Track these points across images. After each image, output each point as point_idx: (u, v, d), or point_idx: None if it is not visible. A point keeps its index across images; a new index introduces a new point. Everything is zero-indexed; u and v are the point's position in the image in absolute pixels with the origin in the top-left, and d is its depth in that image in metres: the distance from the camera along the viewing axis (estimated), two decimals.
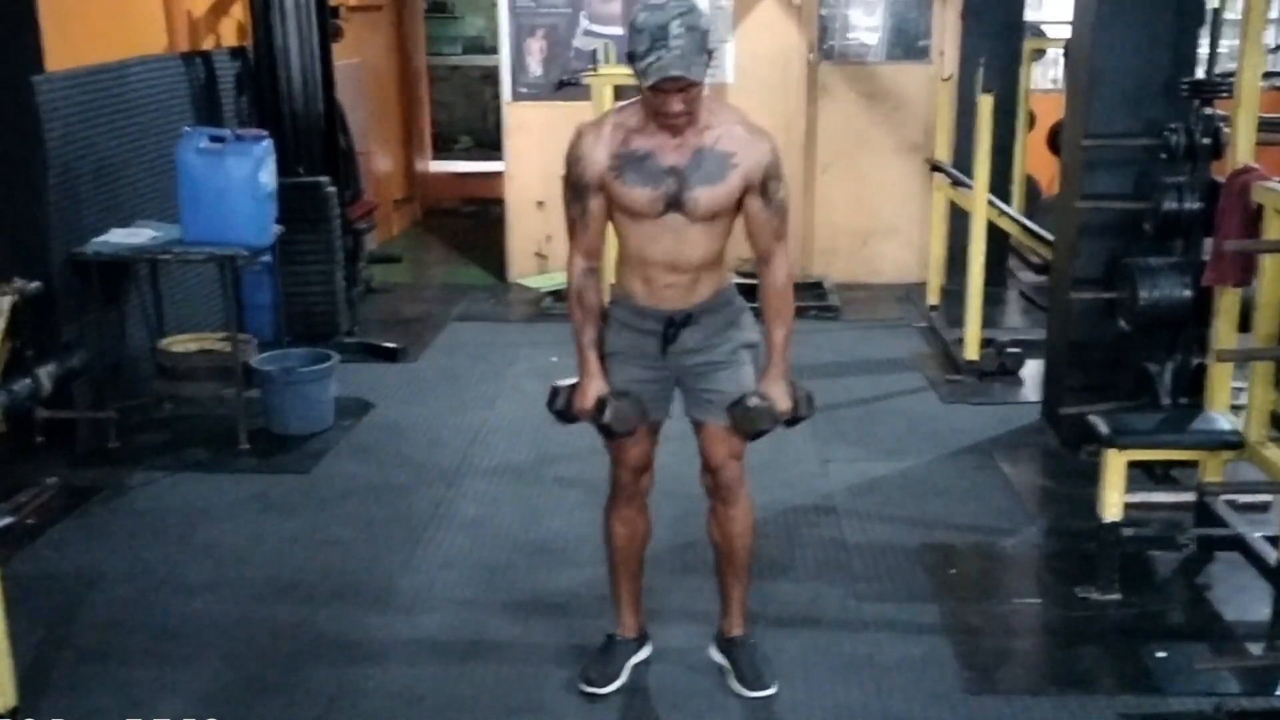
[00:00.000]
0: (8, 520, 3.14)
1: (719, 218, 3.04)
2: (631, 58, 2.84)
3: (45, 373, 4.62)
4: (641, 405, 3.15)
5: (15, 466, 4.70)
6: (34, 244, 4.77)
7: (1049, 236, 5.61)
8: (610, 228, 3.13)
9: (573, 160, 3.03)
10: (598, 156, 2.99)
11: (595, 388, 3.14)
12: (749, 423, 3.15)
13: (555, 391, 3.25)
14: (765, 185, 3.01)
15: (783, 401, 3.16)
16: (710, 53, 2.85)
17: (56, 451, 4.86)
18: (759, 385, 3.16)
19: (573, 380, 3.21)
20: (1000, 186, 6.70)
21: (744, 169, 2.98)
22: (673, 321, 3.10)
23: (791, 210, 8.06)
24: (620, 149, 2.98)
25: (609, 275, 3.28)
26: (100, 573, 4.00)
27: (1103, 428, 3.79)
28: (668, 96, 2.84)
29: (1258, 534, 3.80)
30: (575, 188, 3.04)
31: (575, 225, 3.09)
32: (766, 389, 3.15)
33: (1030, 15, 8.21)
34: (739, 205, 3.05)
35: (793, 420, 3.23)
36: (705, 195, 2.98)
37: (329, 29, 6.38)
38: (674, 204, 2.99)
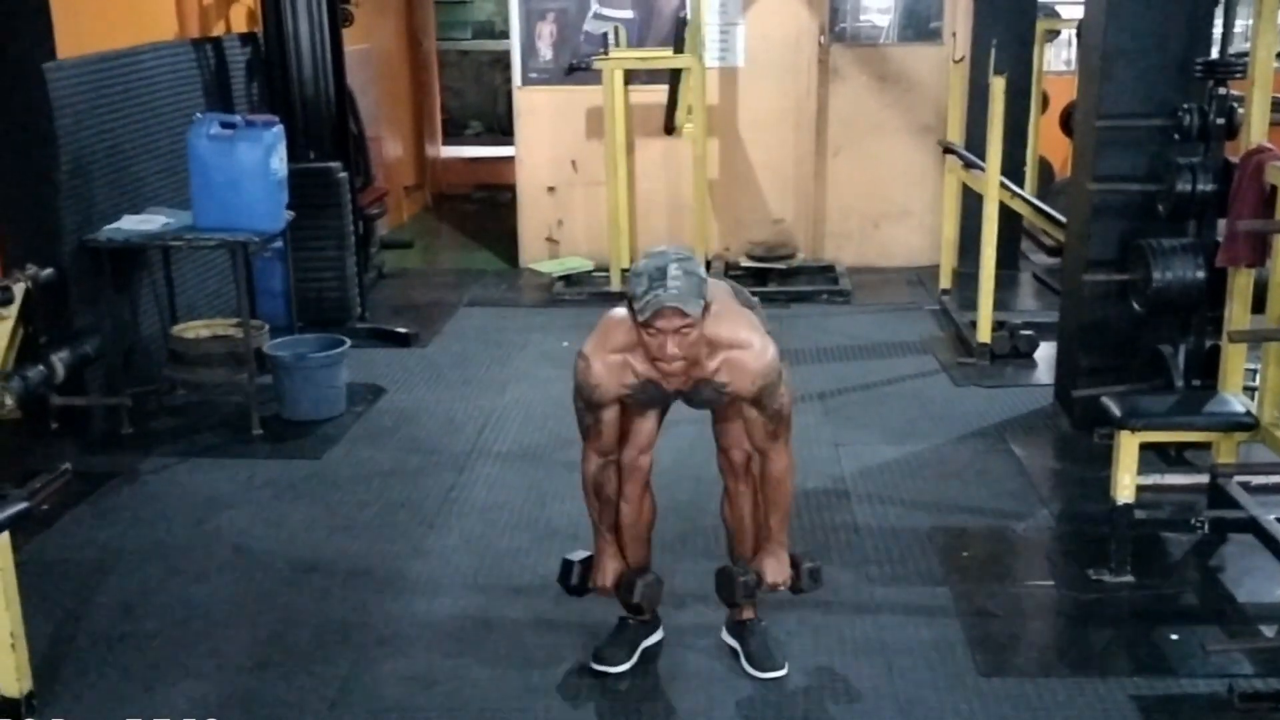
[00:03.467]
0: (22, 506, 3.15)
1: None
2: (630, 302, 2.93)
3: (59, 359, 4.64)
4: (661, 583, 3.34)
5: (30, 452, 4.73)
6: (46, 231, 4.78)
7: (1062, 219, 5.60)
8: None
9: (585, 388, 3.11)
10: (609, 388, 3.10)
11: (614, 568, 3.30)
12: (726, 592, 3.30)
13: (568, 566, 3.37)
14: (758, 399, 3.09)
15: (772, 575, 3.26)
16: (707, 301, 2.91)
17: (70, 437, 4.88)
18: (753, 560, 3.29)
19: (583, 554, 3.35)
20: (1013, 169, 6.67)
21: (735, 391, 3.08)
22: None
23: (803, 194, 8.02)
24: (631, 382, 3.08)
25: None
26: (114, 558, 4.02)
27: (1116, 410, 3.78)
28: (664, 337, 2.90)
29: (1271, 516, 3.76)
30: (589, 405, 3.14)
31: (590, 430, 3.19)
32: (757, 563, 3.27)
33: None
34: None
35: (795, 590, 3.33)
36: (706, 408, 3.22)
37: (339, 14, 6.37)
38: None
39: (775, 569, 3.26)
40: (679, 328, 2.89)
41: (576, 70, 7.26)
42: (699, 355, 3.00)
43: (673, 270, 2.86)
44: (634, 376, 3.06)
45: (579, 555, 3.38)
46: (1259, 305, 4.04)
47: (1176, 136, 4.59)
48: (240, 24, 6.42)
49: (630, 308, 2.94)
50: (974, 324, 5.97)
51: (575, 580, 3.36)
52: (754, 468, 3.29)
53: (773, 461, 3.19)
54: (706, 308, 2.92)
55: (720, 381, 3.06)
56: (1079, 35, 6.47)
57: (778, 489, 3.21)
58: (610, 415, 3.14)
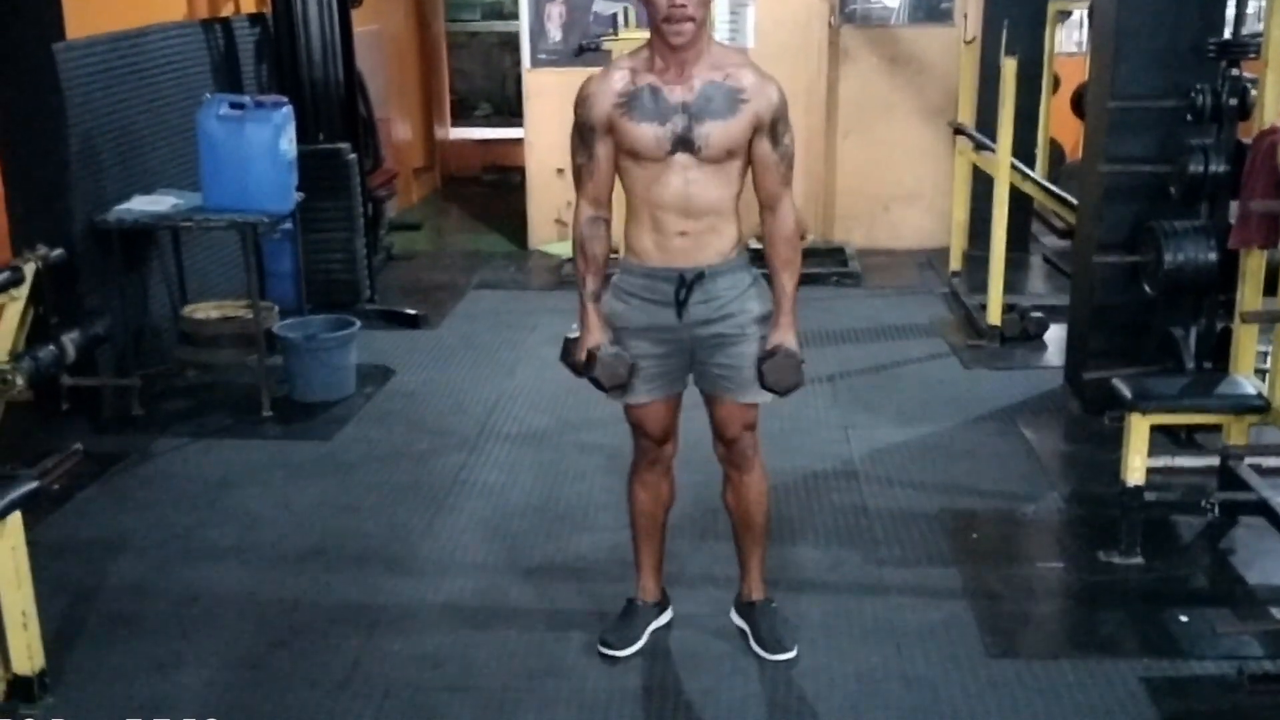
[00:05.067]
0: (34, 486, 3.16)
1: (728, 161, 3.00)
2: None
3: (69, 340, 4.65)
4: (630, 361, 3.11)
5: (41, 433, 4.74)
6: (57, 211, 4.79)
7: (1073, 201, 5.58)
8: (620, 188, 3.10)
9: (580, 101, 3.01)
10: (605, 95, 2.97)
11: (591, 340, 3.12)
12: (786, 379, 3.09)
13: (567, 343, 3.24)
14: (774, 127, 2.98)
15: (797, 345, 3.11)
16: None
17: (81, 418, 4.90)
18: (773, 338, 3.10)
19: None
20: (1024, 151, 6.63)
21: (754, 107, 2.95)
22: (684, 280, 3.06)
23: (813, 176, 7.99)
24: (628, 87, 2.96)
25: (618, 254, 3.25)
26: (125, 538, 4.03)
27: (1126, 392, 3.77)
28: None
29: None
30: (582, 131, 3.02)
31: (582, 172, 3.06)
32: (784, 340, 3.09)
33: None
34: (748, 151, 3.01)
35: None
36: (716, 131, 2.94)
37: None
38: (683, 143, 2.95)
39: (794, 339, 3.11)
40: None
41: (586, 52, 7.24)
42: (709, 50, 2.90)
43: None
44: (632, 83, 2.95)
45: (577, 332, 3.21)
46: (1271, 288, 4.03)
47: (1189, 118, 4.56)
48: (249, 4, 6.40)
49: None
50: (984, 306, 5.95)
51: (571, 357, 3.22)
52: (747, 450, 3.24)
53: (784, 214, 3.09)
54: None
55: (735, 86, 2.93)
56: (1091, 16, 6.45)
57: (791, 244, 3.11)
58: (604, 150, 3.01)
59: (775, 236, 3.11)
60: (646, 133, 2.95)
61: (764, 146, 3.00)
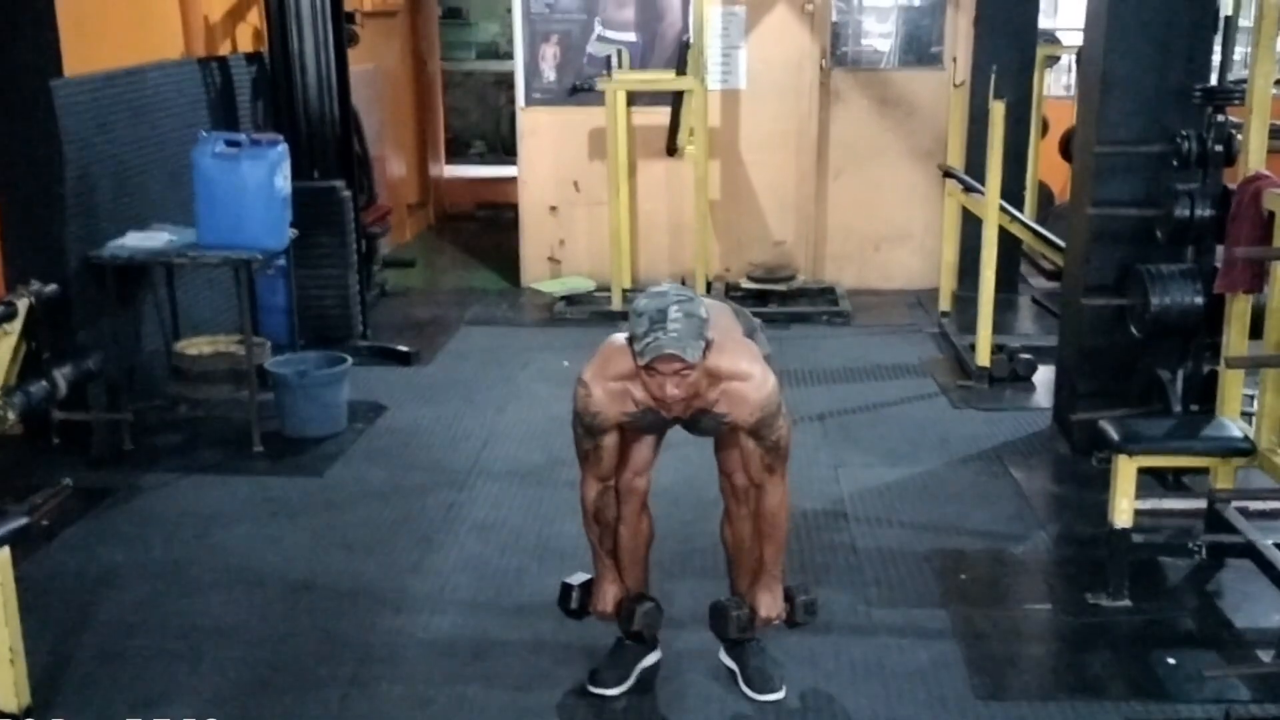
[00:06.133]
0: (23, 521, 3.16)
1: None
2: (631, 340, 2.95)
3: (61, 375, 4.66)
4: (661, 611, 3.33)
5: (31, 468, 4.74)
6: (51, 247, 4.81)
7: (1061, 243, 5.62)
8: None
9: (585, 414, 3.12)
10: (610, 413, 3.10)
11: (614, 592, 3.30)
12: (720, 627, 3.29)
13: (567, 590, 3.38)
14: (757, 430, 3.09)
15: (766, 609, 3.25)
16: (707, 341, 2.93)
17: (72, 453, 4.89)
18: (748, 593, 3.28)
19: (583, 577, 3.36)
20: (1013, 193, 6.70)
21: (735, 421, 3.09)
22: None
23: (804, 216, 8.00)
24: (630, 409, 3.09)
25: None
26: (114, 574, 4.03)
27: (1114, 434, 3.80)
28: (663, 378, 2.92)
29: (1269, 541, 3.80)
30: (589, 429, 3.14)
31: (589, 456, 3.19)
32: (751, 597, 3.26)
33: (1043, 22, 8.21)
34: None
35: (790, 624, 3.33)
36: (706, 436, 3.23)
37: (344, 34, 6.40)
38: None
39: (769, 603, 3.25)
40: (678, 370, 2.91)
41: (579, 91, 7.31)
42: (699, 388, 3.01)
43: (673, 313, 2.87)
44: (634, 404, 3.07)
45: (578, 579, 3.38)
46: (1256, 331, 4.06)
47: (1175, 163, 4.61)
48: (246, 44, 6.45)
49: (631, 343, 2.96)
50: (973, 347, 5.98)
51: (574, 604, 3.36)
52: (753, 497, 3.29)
53: (768, 494, 3.18)
54: (708, 346, 2.94)
55: (720, 412, 3.07)
56: (1079, 61, 6.53)
57: (772, 522, 3.21)
58: (610, 441, 3.14)
59: (757, 512, 3.25)
60: (649, 433, 3.22)
61: (748, 443, 3.13)
